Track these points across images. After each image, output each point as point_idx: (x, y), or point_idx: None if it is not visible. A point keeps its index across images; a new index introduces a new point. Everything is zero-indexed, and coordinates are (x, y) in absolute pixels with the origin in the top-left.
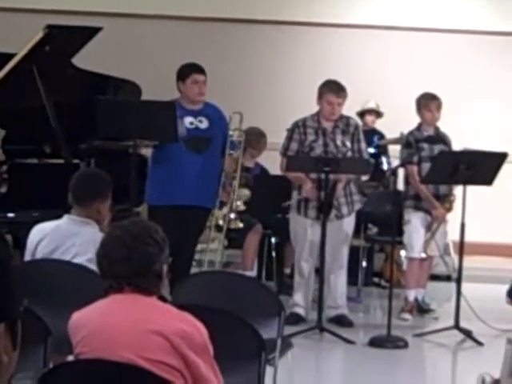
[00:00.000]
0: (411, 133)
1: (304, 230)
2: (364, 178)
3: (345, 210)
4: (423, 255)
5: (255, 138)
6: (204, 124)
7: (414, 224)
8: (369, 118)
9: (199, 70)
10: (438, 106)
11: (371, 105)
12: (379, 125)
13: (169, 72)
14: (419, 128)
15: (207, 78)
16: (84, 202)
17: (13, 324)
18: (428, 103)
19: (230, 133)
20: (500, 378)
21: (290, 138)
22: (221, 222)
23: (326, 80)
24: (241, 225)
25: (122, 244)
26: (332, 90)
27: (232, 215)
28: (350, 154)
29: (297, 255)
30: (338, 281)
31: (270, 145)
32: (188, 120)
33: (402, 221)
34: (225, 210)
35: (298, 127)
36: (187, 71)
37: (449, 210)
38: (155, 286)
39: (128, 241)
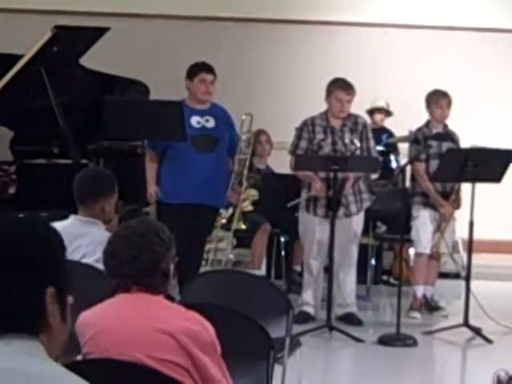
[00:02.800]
0: (420, 129)
1: (313, 228)
2: (373, 176)
3: (354, 208)
4: (427, 252)
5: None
6: (211, 123)
7: (422, 219)
8: (378, 117)
9: (207, 69)
10: (449, 103)
11: (381, 103)
12: (388, 123)
13: (177, 72)
14: (428, 125)
15: (216, 78)
16: (86, 201)
17: (61, 293)
18: (439, 99)
19: (242, 136)
20: None
21: (299, 137)
22: (223, 221)
23: (334, 78)
24: (243, 226)
25: (129, 244)
26: (341, 87)
27: (236, 216)
28: (358, 152)
29: (306, 253)
30: (348, 279)
31: (278, 144)
32: (195, 119)
33: (411, 217)
34: (230, 210)
35: (307, 126)
36: (195, 70)
37: (457, 207)
38: (162, 286)
39: (135, 240)
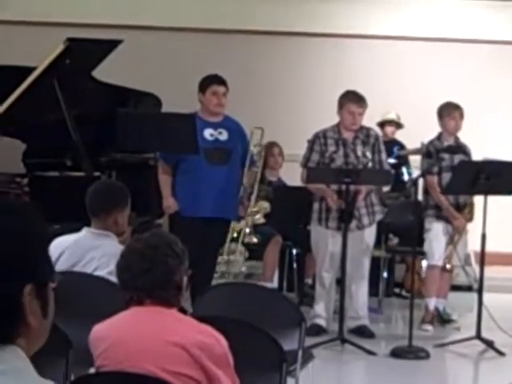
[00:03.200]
0: (431, 142)
1: (325, 240)
2: (385, 188)
3: (366, 220)
4: (448, 266)
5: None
6: (224, 136)
7: (435, 232)
8: (389, 129)
9: (219, 81)
10: (461, 115)
11: (391, 116)
12: (399, 135)
13: (189, 84)
14: (439, 138)
15: (228, 90)
16: (99, 214)
17: (41, 288)
18: (452, 111)
19: (251, 148)
20: None
21: (310, 149)
22: (235, 235)
23: (346, 90)
24: (255, 239)
25: (142, 256)
26: (353, 99)
27: (247, 230)
28: (370, 164)
29: (318, 266)
30: (360, 291)
31: (289, 156)
32: (208, 132)
33: (423, 230)
34: (242, 223)
35: (319, 138)
36: (207, 82)
37: (470, 219)
38: (175, 298)
39: (148, 253)
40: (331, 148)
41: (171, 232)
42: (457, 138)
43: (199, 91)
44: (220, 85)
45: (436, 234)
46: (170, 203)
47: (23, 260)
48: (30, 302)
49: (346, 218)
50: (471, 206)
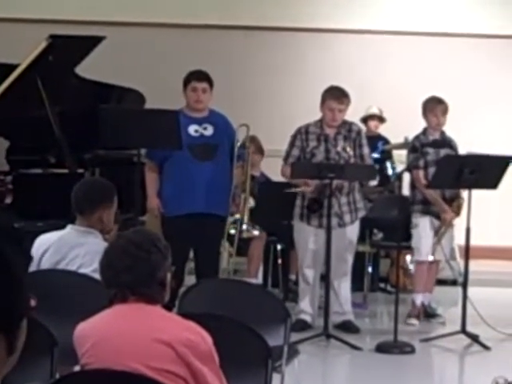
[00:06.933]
0: (417, 137)
1: (306, 237)
2: (372, 183)
3: (347, 218)
4: (431, 258)
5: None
6: (209, 131)
7: (423, 228)
8: (372, 124)
9: (199, 77)
10: (444, 111)
11: (374, 110)
12: (383, 130)
13: (172, 80)
14: (425, 132)
15: (213, 86)
16: (85, 211)
17: (10, 333)
18: (433, 108)
19: (238, 144)
20: None
21: (292, 145)
22: (233, 232)
23: (329, 86)
24: (256, 232)
25: (125, 253)
26: (334, 96)
27: (244, 226)
28: (352, 159)
29: (299, 262)
30: (342, 287)
31: (273, 151)
32: (193, 128)
33: (410, 225)
34: (235, 217)
35: (301, 133)
36: (188, 78)
37: (457, 213)
38: (159, 295)
39: (131, 250)
40: (312, 143)
41: (164, 233)
42: (443, 133)
43: (183, 87)
44: (199, 81)
45: (423, 230)
46: (153, 205)
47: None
48: None
49: (328, 215)
50: (459, 200)
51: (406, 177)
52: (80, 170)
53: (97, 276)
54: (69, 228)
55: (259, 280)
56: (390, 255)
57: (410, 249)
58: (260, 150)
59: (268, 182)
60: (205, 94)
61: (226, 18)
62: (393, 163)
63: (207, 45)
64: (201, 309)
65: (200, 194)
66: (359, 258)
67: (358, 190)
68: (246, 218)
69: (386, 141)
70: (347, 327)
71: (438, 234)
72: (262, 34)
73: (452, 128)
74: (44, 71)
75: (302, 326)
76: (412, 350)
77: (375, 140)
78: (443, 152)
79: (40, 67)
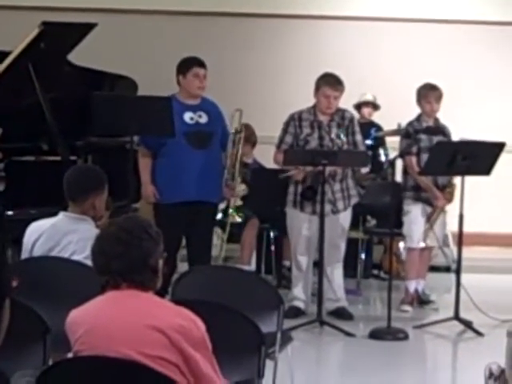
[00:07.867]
0: (410, 124)
1: (299, 224)
2: (364, 170)
3: (341, 205)
4: (422, 245)
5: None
6: (204, 119)
7: (414, 214)
8: (366, 111)
9: (200, 63)
10: (438, 98)
11: (368, 97)
12: (377, 117)
13: (165, 67)
14: (419, 119)
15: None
16: (77, 198)
17: None
18: (427, 94)
19: (231, 130)
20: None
21: (285, 131)
22: (219, 216)
23: (323, 73)
24: (239, 219)
25: (116, 240)
26: (329, 83)
27: (230, 210)
28: (345, 146)
29: (292, 249)
30: (335, 273)
31: (265, 138)
32: (188, 115)
33: (402, 212)
34: (222, 205)
35: (294, 120)
36: (188, 64)
37: (450, 200)
38: (151, 281)
39: (122, 237)
40: (306, 130)
41: (156, 220)
42: (436, 120)
43: (179, 73)
44: (201, 67)
45: (415, 217)
46: (148, 192)
47: None
48: None
49: (322, 202)
50: (452, 186)
51: (399, 163)
52: (72, 158)
53: (89, 263)
54: (61, 215)
55: (252, 267)
56: (383, 242)
57: (402, 235)
58: (252, 142)
59: (261, 169)
60: (205, 80)
61: (219, 4)
62: (386, 150)
63: (199, 32)
64: (194, 295)
65: (193, 181)
66: (352, 245)
67: (351, 176)
68: (232, 203)
69: (378, 127)
70: (340, 314)
71: (429, 220)
72: (255, 21)
73: (446, 115)
74: (36, 58)
75: (296, 312)
76: (405, 337)
77: (368, 127)
78: (436, 139)
79: (32, 54)
